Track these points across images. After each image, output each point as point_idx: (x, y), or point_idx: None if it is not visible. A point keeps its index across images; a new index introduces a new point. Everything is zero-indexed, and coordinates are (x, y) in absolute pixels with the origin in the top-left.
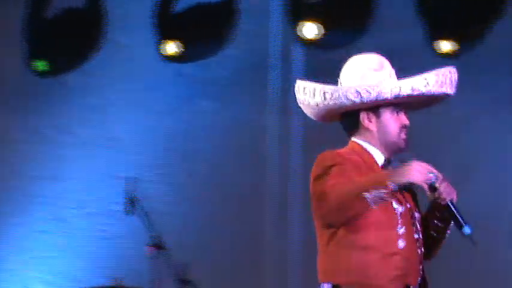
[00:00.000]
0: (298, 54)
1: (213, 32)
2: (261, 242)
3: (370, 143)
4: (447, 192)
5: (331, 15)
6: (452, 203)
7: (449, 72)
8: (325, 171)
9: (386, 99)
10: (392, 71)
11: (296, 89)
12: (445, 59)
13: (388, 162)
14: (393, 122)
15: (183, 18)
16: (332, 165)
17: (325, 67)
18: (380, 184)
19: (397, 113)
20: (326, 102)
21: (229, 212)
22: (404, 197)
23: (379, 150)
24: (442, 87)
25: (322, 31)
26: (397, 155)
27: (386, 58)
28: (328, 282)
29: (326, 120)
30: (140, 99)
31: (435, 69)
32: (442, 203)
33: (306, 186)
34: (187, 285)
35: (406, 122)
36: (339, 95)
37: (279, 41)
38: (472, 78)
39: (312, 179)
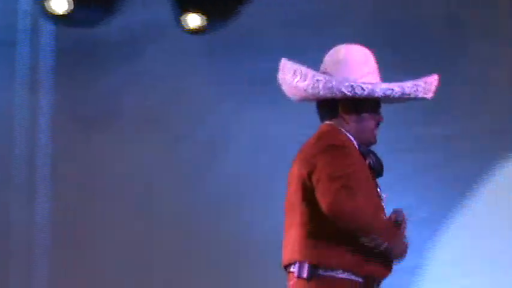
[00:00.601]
0: (47, 30)
1: None
2: (7, 235)
3: (345, 130)
4: None
5: None
6: None
7: (435, 79)
8: (336, 150)
9: (376, 97)
10: (375, 65)
11: (283, 68)
12: (193, 36)
13: (362, 149)
14: (371, 119)
15: None
16: (340, 146)
17: (74, 44)
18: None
19: (375, 110)
20: (317, 91)
21: None
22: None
23: (352, 137)
24: (426, 94)
25: (72, 6)
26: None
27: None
28: (307, 262)
29: (301, 101)
30: None
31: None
32: None
33: (54, 164)
34: None
35: (382, 119)
36: (332, 85)
37: (28, 16)
38: (221, 55)
39: (322, 160)
